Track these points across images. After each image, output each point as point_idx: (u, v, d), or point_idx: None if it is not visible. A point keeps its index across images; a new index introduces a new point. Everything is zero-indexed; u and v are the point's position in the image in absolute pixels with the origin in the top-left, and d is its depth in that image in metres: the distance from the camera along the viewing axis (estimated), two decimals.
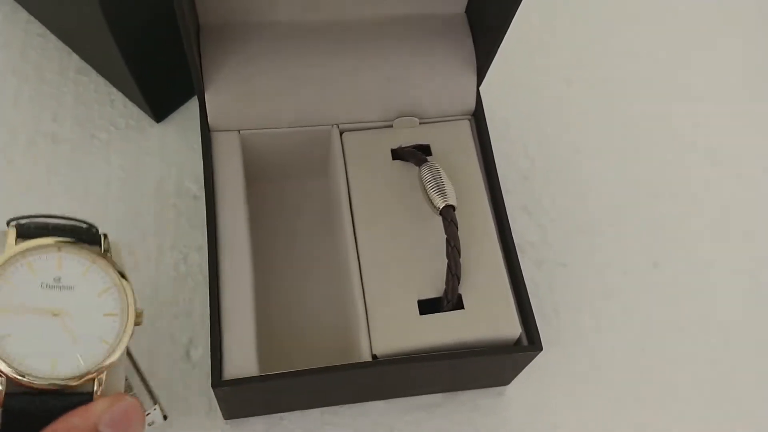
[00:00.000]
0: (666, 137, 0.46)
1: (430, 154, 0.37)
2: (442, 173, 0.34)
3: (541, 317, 0.40)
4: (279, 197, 0.40)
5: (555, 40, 0.49)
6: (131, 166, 0.41)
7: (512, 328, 0.32)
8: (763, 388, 0.39)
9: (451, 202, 0.33)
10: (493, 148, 0.46)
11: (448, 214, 0.33)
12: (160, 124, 0.43)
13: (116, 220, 0.40)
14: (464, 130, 0.38)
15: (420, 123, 0.38)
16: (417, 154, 0.36)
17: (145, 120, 0.43)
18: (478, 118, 0.38)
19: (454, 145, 0.37)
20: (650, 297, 0.41)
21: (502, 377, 0.36)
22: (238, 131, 0.36)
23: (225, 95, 0.35)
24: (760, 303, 0.42)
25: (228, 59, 0.36)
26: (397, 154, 0.37)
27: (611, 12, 0.51)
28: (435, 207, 0.33)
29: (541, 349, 0.32)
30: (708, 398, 0.39)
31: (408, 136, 0.37)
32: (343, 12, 0.37)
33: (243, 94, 0.36)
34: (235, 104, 0.36)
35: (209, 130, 0.36)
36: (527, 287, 0.42)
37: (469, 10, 0.38)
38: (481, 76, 0.38)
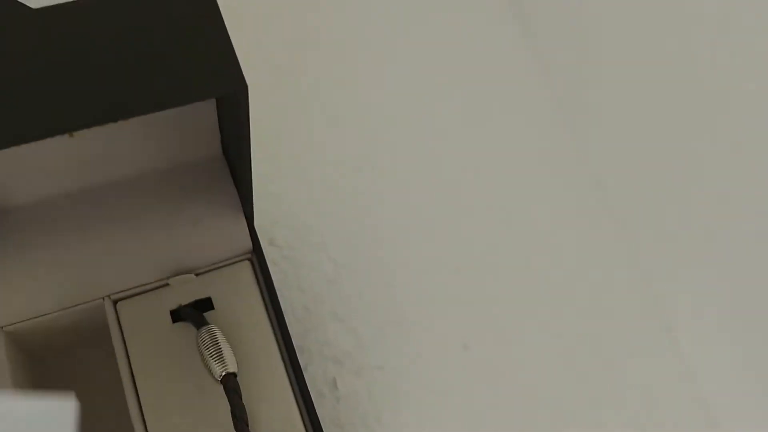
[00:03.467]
0: (460, 211, 0.48)
1: (212, 307, 0.36)
2: (219, 336, 0.33)
3: (365, 428, 0.41)
4: (61, 378, 0.38)
5: (338, 131, 0.49)
6: None
7: None
8: None
9: (231, 368, 0.33)
10: (298, 257, 0.45)
11: (228, 382, 0.32)
12: None
13: None
14: (245, 272, 0.37)
15: (198, 274, 0.37)
16: (195, 316, 0.35)
17: None
18: (257, 255, 0.37)
19: (236, 291, 0.36)
20: (464, 382, 0.42)
21: None
22: (1, 328, 0.34)
23: None
24: (571, 367, 0.44)
25: None
26: (177, 315, 0.35)
27: (393, 91, 0.51)
28: (215, 377, 0.33)
29: None
30: None
31: (187, 292, 0.36)
32: (91, 178, 0.35)
33: None
34: None
35: None
36: (349, 402, 0.42)
37: (225, 152, 0.37)
38: (249, 213, 0.37)
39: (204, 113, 0.34)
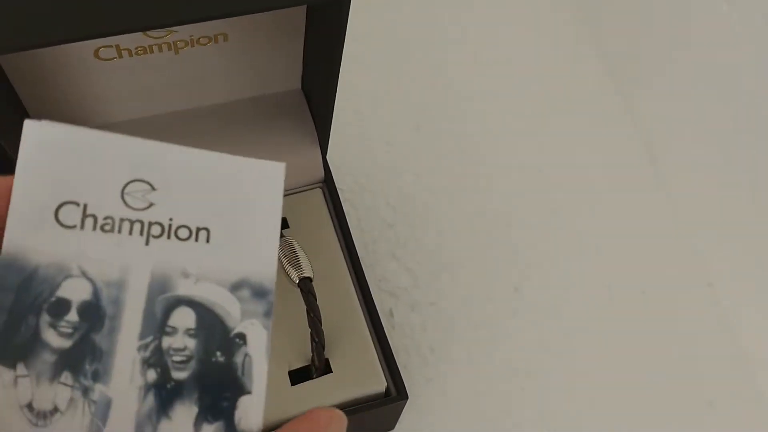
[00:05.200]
0: (513, 165, 0.50)
1: (287, 226, 0.39)
2: (297, 246, 0.36)
3: (419, 357, 0.43)
4: None
5: (399, 89, 0.52)
6: None
7: (378, 384, 0.35)
8: (633, 399, 0.43)
9: (307, 274, 0.35)
10: (358, 201, 0.49)
11: (305, 286, 0.35)
12: None
13: None
14: (317, 199, 0.40)
15: None
16: None
17: None
18: (328, 185, 0.40)
19: (309, 214, 0.39)
20: (514, 321, 0.45)
21: (383, 425, 0.38)
22: None
23: None
24: (616, 316, 0.46)
25: None
26: None
27: (451, 57, 0.54)
28: (292, 280, 0.36)
29: (406, 397, 0.34)
30: (583, 412, 0.43)
31: None
32: (179, 103, 0.39)
33: None
34: None
35: None
36: (403, 331, 0.44)
37: (304, 86, 0.41)
38: (324, 145, 0.40)
39: (291, 43, 0.37)
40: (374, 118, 0.51)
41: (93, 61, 0.33)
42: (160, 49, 0.34)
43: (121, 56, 0.33)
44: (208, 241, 0.18)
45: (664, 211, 0.49)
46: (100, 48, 0.32)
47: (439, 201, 0.48)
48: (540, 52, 0.55)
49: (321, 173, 0.40)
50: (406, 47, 0.54)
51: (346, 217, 0.46)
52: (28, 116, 0.35)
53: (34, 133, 0.17)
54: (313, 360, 0.34)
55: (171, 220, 0.18)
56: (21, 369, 0.16)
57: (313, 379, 0.34)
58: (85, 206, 0.17)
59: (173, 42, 0.34)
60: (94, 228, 0.17)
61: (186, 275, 0.18)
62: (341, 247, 0.39)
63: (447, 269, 0.46)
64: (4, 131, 0.31)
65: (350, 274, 0.38)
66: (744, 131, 0.46)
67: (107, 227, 0.17)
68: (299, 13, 0.35)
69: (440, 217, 0.48)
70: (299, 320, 0.35)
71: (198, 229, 0.18)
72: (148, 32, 0.32)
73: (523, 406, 0.42)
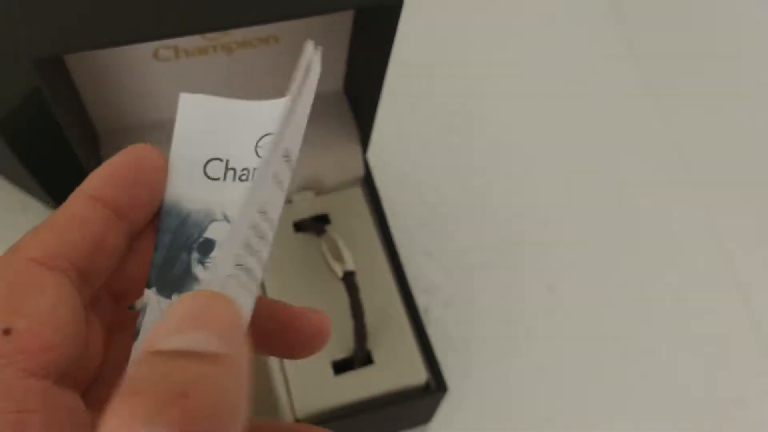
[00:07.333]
0: (548, 164, 0.51)
1: (329, 222, 0.40)
2: (340, 242, 0.38)
3: (453, 352, 0.44)
4: None
5: (436, 90, 0.53)
6: None
7: (418, 376, 0.36)
8: (665, 398, 0.44)
9: (350, 267, 0.37)
10: (393, 199, 0.50)
11: (349, 279, 0.36)
12: None
13: None
14: (357, 196, 0.41)
15: (316, 195, 0.41)
16: (316, 226, 0.39)
17: None
18: (368, 183, 0.42)
19: (349, 211, 0.41)
20: (548, 319, 0.46)
21: (420, 418, 0.39)
22: None
23: None
24: (651, 316, 0.47)
25: None
26: (299, 226, 0.40)
27: (488, 59, 0.55)
28: (336, 274, 0.37)
29: (446, 390, 0.36)
30: (615, 409, 0.43)
31: (307, 208, 0.41)
32: None
33: None
34: None
35: None
36: (438, 326, 0.46)
37: (346, 88, 0.42)
38: (365, 144, 0.41)
39: (336, 45, 0.39)
40: (410, 118, 0.52)
41: (151, 62, 0.35)
42: (215, 51, 0.35)
43: (178, 57, 0.35)
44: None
45: (697, 214, 0.50)
46: (160, 49, 0.34)
47: (474, 200, 0.49)
48: (575, 55, 0.56)
49: (362, 171, 0.42)
50: (444, 49, 0.55)
51: None
52: (86, 112, 0.37)
53: (187, 104, 0.20)
54: (355, 351, 0.36)
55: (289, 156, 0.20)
56: (175, 299, 0.19)
57: (355, 369, 0.36)
58: (227, 161, 0.20)
59: (227, 43, 0.35)
60: (234, 179, 0.20)
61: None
62: (381, 243, 0.40)
63: (481, 267, 0.47)
64: (67, 124, 0.33)
65: (390, 270, 0.39)
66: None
67: (244, 177, 0.20)
68: (347, 17, 0.37)
69: (474, 216, 0.49)
70: (342, 313, 0.37)
71: (294, 155, 0.20)
72: (206, 34, 0.34)
73: (556, 401, 0.43)
